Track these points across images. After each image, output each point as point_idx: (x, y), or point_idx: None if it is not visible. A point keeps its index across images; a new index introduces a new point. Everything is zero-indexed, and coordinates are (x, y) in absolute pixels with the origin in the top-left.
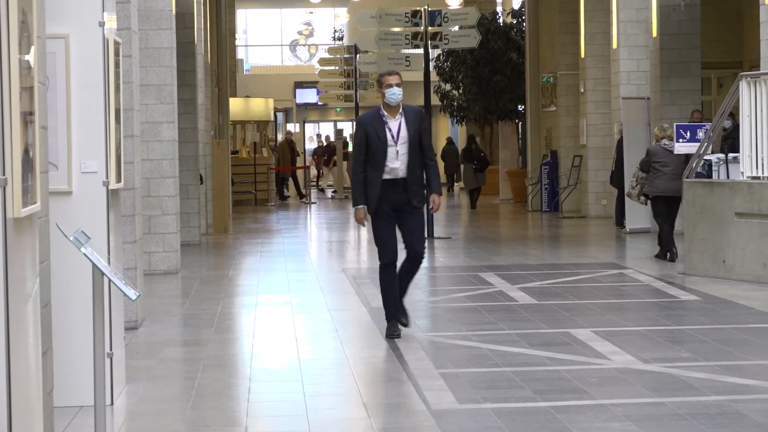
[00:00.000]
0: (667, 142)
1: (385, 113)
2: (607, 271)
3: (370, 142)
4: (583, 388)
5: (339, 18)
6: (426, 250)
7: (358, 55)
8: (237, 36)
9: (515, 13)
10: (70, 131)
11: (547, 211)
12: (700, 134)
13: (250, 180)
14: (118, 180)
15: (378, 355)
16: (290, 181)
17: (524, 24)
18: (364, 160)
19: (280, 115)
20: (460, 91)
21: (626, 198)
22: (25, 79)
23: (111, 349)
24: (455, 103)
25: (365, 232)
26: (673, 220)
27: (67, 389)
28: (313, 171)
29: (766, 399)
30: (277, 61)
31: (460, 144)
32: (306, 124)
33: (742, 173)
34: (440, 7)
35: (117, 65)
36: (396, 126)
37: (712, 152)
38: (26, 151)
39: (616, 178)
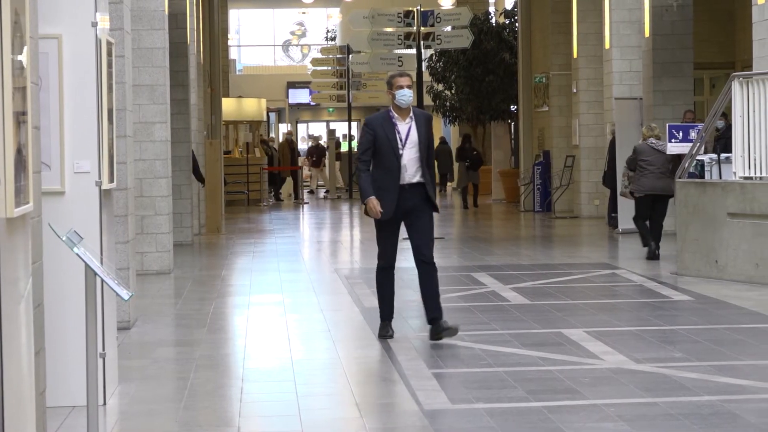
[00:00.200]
0: (654, 141)
1: (396, 115)
2: (600, 272)
3: (379, 144)
4: (575, 388)
5: (331, 18)
6: (433, 255)
7: (350, 56)
8: (229, 36)
9: (508, 14)
10: (63, 131)
11: (540, 212)
12: (693, 134)
13: (242, 180)
14: (111, 180)
15: (370, 356)
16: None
17: (517, 24)
18: (369, 161)
19: (272, 116)
20: (453, 91)
21: (619, 198)
22: (18, 79)
23: (103, 349)
24: (448, 104)
25: (357, 233)
26: (662, 218)
27: (60, 389)
28: (306, 171)
29: (758, 399)
30: (269, 61)
31: (453, 144)
32: (298, 125)
33: (735, 173)
34: (433, 7)
35: (110, 65)
36: (405, 129)
37: (705, 152)
38: (19, 151)
39: (609, 178)
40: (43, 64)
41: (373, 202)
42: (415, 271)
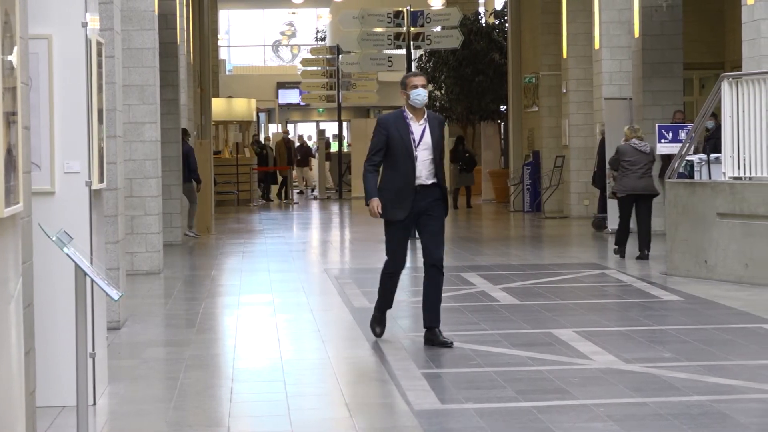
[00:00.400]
0: (636, 142)
1: (410, 115)
2: (589, 272)
3: (393, 144)
4: (565, 388)
5: (321, 18)
6: (443, 259)
7: (340, 56)
8: (219, 36)
9: (497, 14)
10: (53, 131)
11: (530, 212)
12: (682, 135)
13: (232, 180)
14: (101, 180)
15: (360, 356)
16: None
17: (506, 24)
18: (379, 162)
19: (262, 116)
20: (443, 91)
21: (608, 199)
22: (8, 79)
23: (93, 349)
24: (438, 104)
25: (347, 233)
26: (648, 218)
27: (50, 389)
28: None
29: (747, 399)
30: (259, 61)
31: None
32: (288, 125)
33: (724, 174)
34: (422, 7)
35: (100, 66)
36: (419, 130)
37: (695, 153)
38: (9, 152)
39: (599, 178)
40: (33, 65)
41: (375, 203)
42: (408, 273)
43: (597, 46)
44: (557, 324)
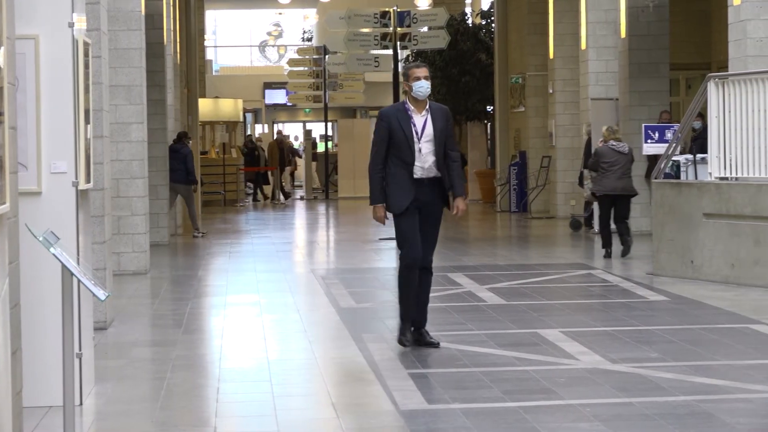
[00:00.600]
0: (614, 143)
1: (411, 107)
2: (576, 272)
3: (394, 136)
4: (551, 389)
5: (308, 19)
6: (432, 261)
7: (327, 56)
8: (206, 37)
9: (484, 14)
10: (40, 132)
11: (516, 212)
12: (669, 135)
13: (219, 181)
14: (88, 180)
15: (347, 356)
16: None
17: (493, 25)
18: (386, 156)
19: (249, 116)
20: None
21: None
22: None
23: (80, 350)
24: None
25: (333, 233)
26: (626, 217)
27: (36, 389)
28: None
29: (733, 399)
30: (246, 61)
31: None
32: (275, 125)
33: (710, 174)
34: (409, 8)
35: (86, 66)
36: (421, 122)
37: (681, 153)
38: None
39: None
40: (19, 65)
41: (380, 211)
42: (393, 272)
43: (583, 46)
44: (544, 324)
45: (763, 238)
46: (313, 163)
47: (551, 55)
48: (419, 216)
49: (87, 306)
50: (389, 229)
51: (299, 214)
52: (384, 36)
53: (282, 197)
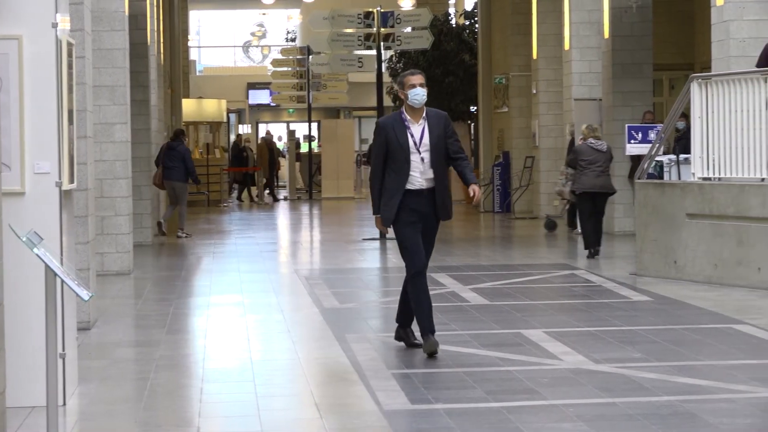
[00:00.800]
0: (593, 141)
1: (408, 117)
2: (559, 272)
3: (391, 148)
4: (534, 389)
5: (292, 19)
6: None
7: (310, 57)
8: (190, 37)
9: (468, 15)
10: (23, 132)
11: (499, 212)
12: (652, 135)
13: (203, 181)
14: (71, 181)
15: (330, 356)
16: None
17: (477, 25)
18: (384, 168)
19: (232, 116)
20: None
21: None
22: None
23: (63, 350)
24: None
25: (317, 234)
26: (601, 216)
27: (20, 389)
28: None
29: (716, 399)
30: (229, 62)
31: None
32: (259, 125)
33: (693, 174)
34: (393, 8)
35: (70, 66)
36: (419, 131)
37: (664, 153)
38: None
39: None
40: (3, 65)
41: (381, 221)
42: (379, 273)
43: (567, 46)
44: (527, 324)
45: (745, 238)
46: (297, 164)
47: (535, 56)
48: (419, 226)
49: (70, 306)
50: (372, 230)
51: (283, 214)
52: (367, 36)
53: (269, 198)
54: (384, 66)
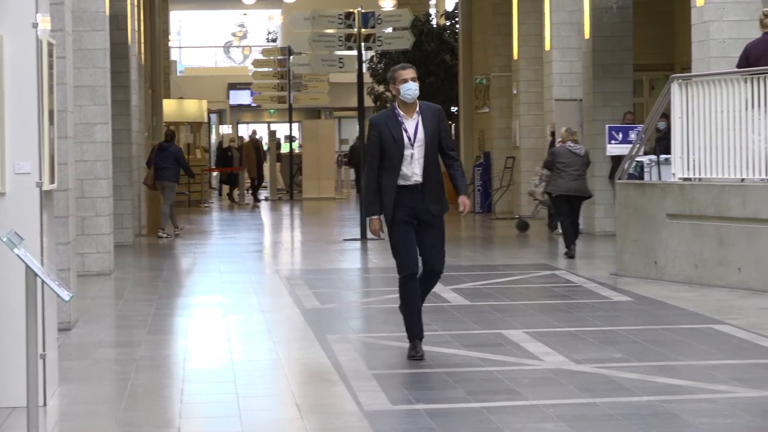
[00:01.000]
0: (571, 144)
1: (401, 112)
2: (540, 272)
3: (385, 145)
4: (515, 389)
5: (273, 20)
6: (444, 267)
7: (291, 57)
8: (170, 37)
9: (449, 15)
10: (4, 132)
11: (480, 213)
12: (632, 136)
13: (184, 181)
14: (52, 181)
15: (311, 356)
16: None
17: (457, 26)
18: (379, 166)
19: (213, 117)
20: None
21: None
22: None
23: (44, 350)
24: (389, 105)
25: (298, 234)
26: (576, 218)
27: (0, 390)
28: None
29: (696, 399)
30: (210, 62)
31: None
32: (239, 126)
33: (674, 174)
34: (373, 9)
35: (51, 66)
36: (413, 126)
37: (645, 154)
38: None
39: None
40: None
41: (377, 224)
42: (359, 274)
43: (548, 47)
44: (508, 325)
45: (726, 238)
46: (278, 164)
47: (515, 56)
48: (420, 227)
49: (51, 307)
50: (353, 230)
51: (264, 215)
52: (348, 37)
53: (251, 198)
54: (365, 66)
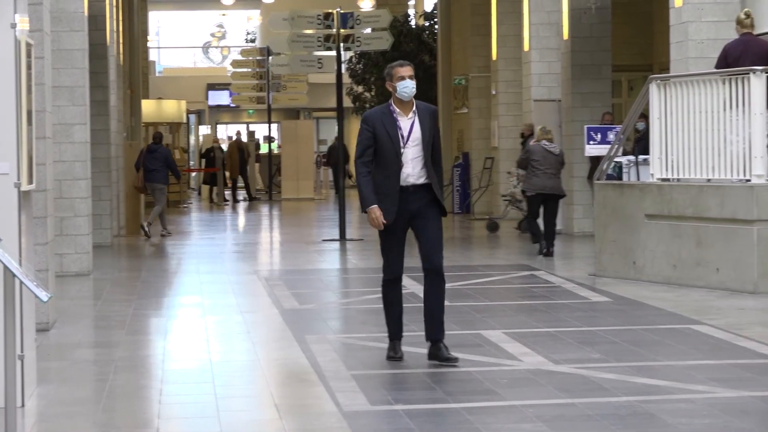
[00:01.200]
0: (546, 143)
1: (397, 110)
2: (519, 273)
3: (380, 142)
4: (494, 390)
5: (252, 20)
6: (443, 265)
7: (270, 57)
8: (149, 38)
9: (427, 16)
10: None
11: (459, 213)
12: (611, 136)
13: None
14: (30, 181)
15: (290, 357)
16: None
17: (436, 26)
18: (370, 162)
19: (192, 117)
20: (373, 93)
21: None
22: None
23: (22, 351)
24: (368, 105)
25: (277, 235)
26: (554, 217)
27: None
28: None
29: (675, 399)
30: (189, 63)
31: None
32: (218, 126)
33: (652, 175)
34: (352, 9)
35: (29, 67)
36: (408, 125)
37: (623, 154)
38: None
39: None
40: None
41: (376, 212)
42: (338, 274)
43: (526, 47)
44: (486, 325)
45: (704, 239)
46: (257, 165)
47: (494, 57)
48: (416, 223)
49: (29, 307)
50: (333, 230)
51: (243, 215)
52: (327, 37)
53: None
54: (344, 67)
